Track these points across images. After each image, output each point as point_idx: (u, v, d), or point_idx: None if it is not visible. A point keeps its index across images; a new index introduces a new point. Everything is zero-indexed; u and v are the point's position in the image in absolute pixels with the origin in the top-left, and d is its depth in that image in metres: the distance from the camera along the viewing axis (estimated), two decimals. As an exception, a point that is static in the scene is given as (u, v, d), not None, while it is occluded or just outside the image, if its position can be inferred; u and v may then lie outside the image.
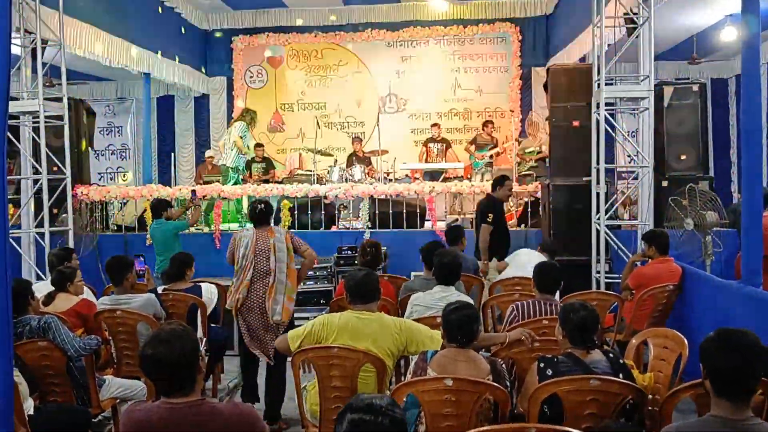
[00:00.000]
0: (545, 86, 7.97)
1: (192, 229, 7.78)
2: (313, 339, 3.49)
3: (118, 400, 4.18)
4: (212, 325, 5.19)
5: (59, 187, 7.48)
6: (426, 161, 10.83)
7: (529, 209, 8.37)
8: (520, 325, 3.82)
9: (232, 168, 10.24)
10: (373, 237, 7.59)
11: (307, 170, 10.37)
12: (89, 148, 8.99)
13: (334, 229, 8.54)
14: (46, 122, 7.23)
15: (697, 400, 2.79)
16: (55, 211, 7.67)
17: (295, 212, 8.35)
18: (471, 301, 3.80)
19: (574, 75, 7.32)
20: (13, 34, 7.07)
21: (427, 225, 8.42)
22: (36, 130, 7.25)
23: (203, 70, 12.47)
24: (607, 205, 6.48)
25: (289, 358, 3.73)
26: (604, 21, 6.45)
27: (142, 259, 5.14)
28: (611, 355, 3.08)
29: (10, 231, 6.95)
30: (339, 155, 11.16)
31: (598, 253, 6.48)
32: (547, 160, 8.64)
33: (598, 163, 6.47)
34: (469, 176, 10.64)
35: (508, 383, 3.09)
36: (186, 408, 2.25)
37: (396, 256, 7.61)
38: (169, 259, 5.39)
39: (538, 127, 10.68)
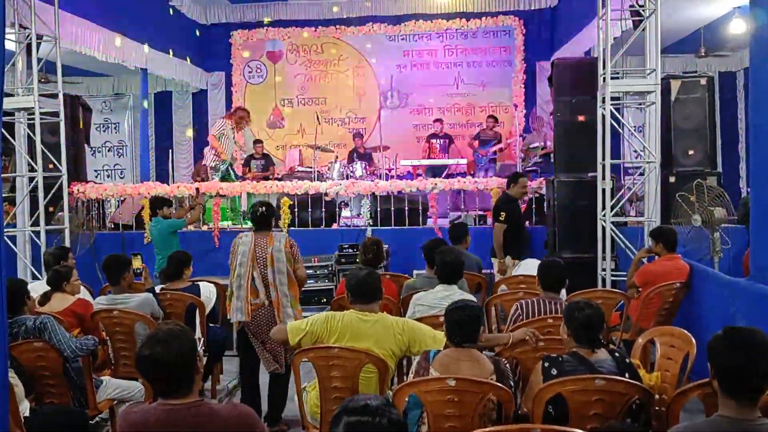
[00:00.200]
0: (550, 80, 7.95)
1: (190, 227, 7.79)
2: (314, 337, 3.48)
3: (116, 402, 4.19)
4: (211, 324, 5.20)
5: (55, 184, 7.48)
6: (428, 157, 10.84)
7: (533, 206, 8.35)
8: (524, 324, 3.82)
9: (211, 167, 10.06)
10: (375, 234, 7.59)
11: (308, 167, 10.37)
12: (85, 145, 9.00)
13: (334, 226, 8.54)
14: (41, 119, 7.23)
15: (704, 400, 2.78)
16: (51, 209, 7.68)
17: (295, 210, 8.35)
18: (474, 300, 3.80)
19: (579, 69, 7.29)
20: (8, 30, 7.08)
21: (429, 223, 8.41)
22: (31, 126, 7.25)
23: (201, 65, 12.46)
24: (613, 202, 6.47)
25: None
26: (610, 13, 6.43)
27: (140, 258, 5.14)
28: (617, 354, 3.08)
29: (6, 229, 6.97)
30: (340, 151, 11.17)
31: (603, 251, 6.47)
32: (551, 155, 8.63)
33: (603, 159, 6.46)
34: (472, 172, 10.63)
35: (512, 383, 3.09)
36: (184, 409, 2.25)
37: (398, 254, 7.61)
38: (167, 258, 5.39)
39: (543, 122, 10.67)
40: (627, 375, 2.94)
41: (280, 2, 12.32)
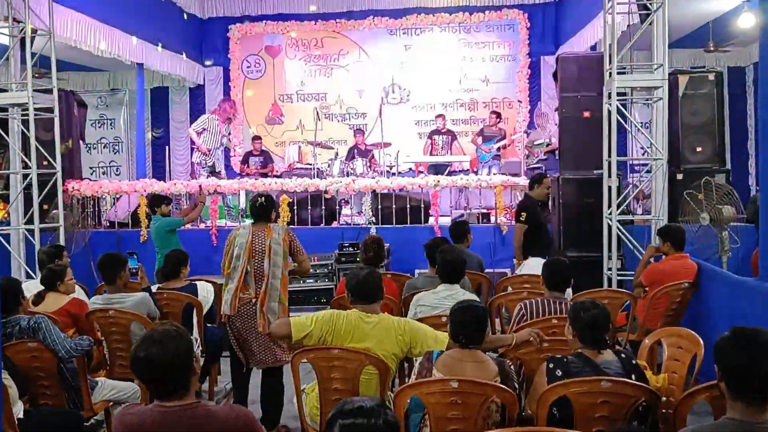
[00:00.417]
0: (555, 75, 7.95)
1: (188, 226, 7.80)
2: (320, 335, 3.43)
3: (111, 403, 4.19)
4: (208, 325, 5.19)
5: (49, 182, 7.49)
6: (430, 154, 10.84)
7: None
8: (529, 324, 3.82)
9: (197, 163, 10.08)
10: (376, 232, 7.59)
11: (307, 164, 10.37)
12: (80, 142, 9.00)
13: (335, 225, 8.54)
14: (35, 115, 7.23)
15: (712, 403, 2.78)
16: (45, 206, 7.68)
17: (295, 208, 8.35)
18: (477, 300, 3.80)
19: (585, 64, 7.28)
20: (1, 23, 7.09)
21: (431, 221, 8.42)
22: (25, 122, 7.26)
23: (199, 60, 12.46)
24: (620, 200, 6.46)
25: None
26: (616, 7, 6.42)
27: (135, 257, 5.14)
28: (623, 355, 3.08)
29: (-1, 228, 6.98)
30: (340, 148, 11.15)
31: (609, 250, 6.46)
32: (556, 152, 8.62)
33: (609, 156, 6.45)
34: (475, 169, 10.63)
35: (516, 385, 3.08)
36: (180, 411, 2.25)
37: (399, 253, 7.61)
38: (164, 257, 5.39)
39: (548, 118, 10.67)
40: (633, 377, 2.94)
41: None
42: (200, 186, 8.14)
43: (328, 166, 9.75)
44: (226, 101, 10.28)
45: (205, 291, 5.21)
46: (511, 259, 6.55)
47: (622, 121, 6.46)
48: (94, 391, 4.05)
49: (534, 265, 5.77)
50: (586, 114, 7.12)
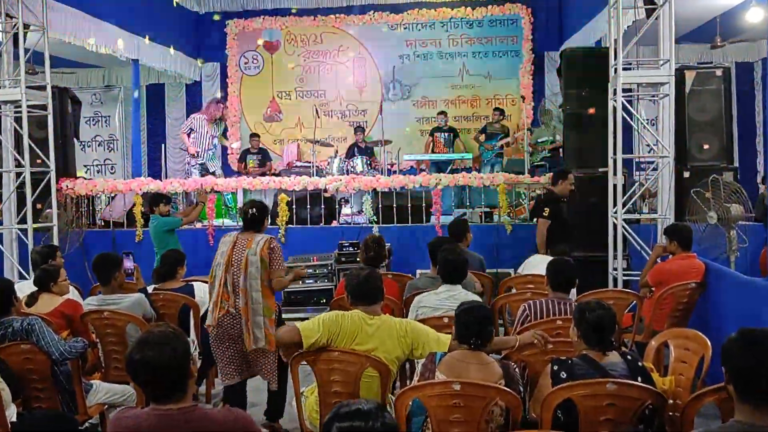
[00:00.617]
0: (559, 71, 7.95)
1: (185, 225, 7.79)
2: (329, 337, 3.41)
3: (106, 407, 4.19)
4: (205, 326, 5.19)
5: (43, 180, 7.49)
6: (432, 152, 10.83)
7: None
8: (533, 326, 3.82)
9: (189, 163, 10.12)
10: (377, 232, 7.60)
11: (306, 162, 10.37)
12: (75, 140, 9.00)
13: (334, 224, 8.53)
14: (28, 112, 7.23)
15: (720, 405, 2.78)
16: (38, 206, 7.69)
17: (294, 207, 8.35)
18: (480, 300, 3.80)
19: (590, 59, 7.28)
20: (-7, 19, 7.09)
21: (432, 220, 8.41)
22: (18, 120, 7.26)
23: (195, 55, 12.46)
24: (625, 198, 6.46)
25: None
26: (622, 1, 6.41)
27: (131, 257, 5.13)
28: (629, 357, 3.08)
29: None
30: (339, 146, 11.17)
31: (615, 249, 6.46)
32: (561, 150, 8.62)
33: (615, 153, 6.45)
34: (478, 167, 10.63)
35: (521, 388, 3.08)
36: (177, 414, 2.25)
37: (400, 253, 7.61)
38: (160, 257, 5.40)
39: (552, 115, 10.65)
40: (639, 379, 2.94)
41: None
42: (201, 185, 8.14)
43: (328, 164, 9.75)
44: (213, 102, 10.29)
45: (202, 292, 5.20)
46: (515, 258, 6.54)
47: (627, 117, 6.45)
48: (88, 395, 4.05)
49: (536, 263, 5.77)
50: (591, 111, 7.12)
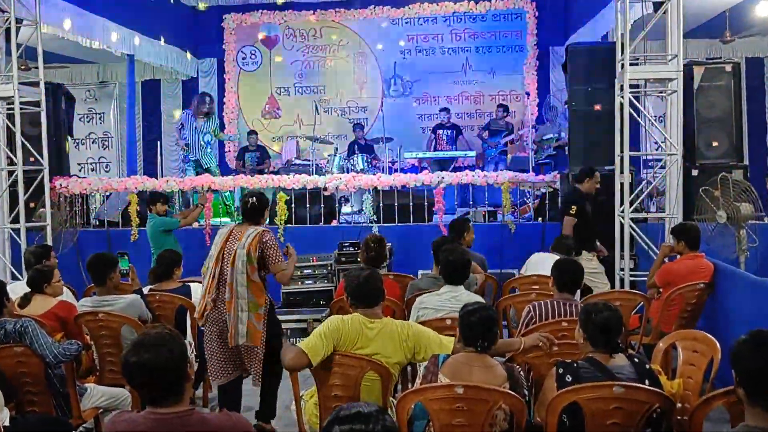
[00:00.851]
0: (564, 67, 7.94)
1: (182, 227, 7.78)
2: (332, 349, 3.39)
3: (101, 410, 4.19)
4: (202, 328, 5.19)
5: (36, 179, 7.50)
6: (434, 149, 10.84)
7: (547, 201, 8.35)
8: (538, 327, 3.82)
9: (183, 161, 10.25)
10: (378, 231, 7.60)
11: (305, 160, 10.37)
12: (68, 137, 9.01)
13: (334, 223, 8.54)
14: (21, 109, 7.23)
15: (730, 409, 2.78)
16: (31, 205, 7.69)
17: (292, 205, 8.35)
18: (483, 301, 3.80)
19: (596, 54, 7.28)
20: (-15, 13, 7.09)
21: (435, 219, 8.41)
22: (11, 117, 7.26)
23: (192, 51, 12.45)
24: (632, 197, 6.46)
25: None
26: (629, -5, 6.42)
27: (126, 257, 5.14)
28: (636, 359, 3.08)
29: (-16, 227, 6.98)
30: (339, 143, 11.17)
31: (622, 249, 6.46)
32: (566, 147, 8.62)
33: (622, 151, 6.45)
34: (481, 165, 10.63)
35: (526, 392, 3.09)
36: (174, 418, 2.25)
37: (402, 253, 7.61)
38: (156, 257, 5.40)
39: (557, 111, 10.66)
40: (647, 382, 2.94)
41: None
42: (202, 186, 8.16)
43: (327, 162, 9.76)
44: (199, 95, 10.32)
45: (198, 293, 5.20)
46: (518, 259, 6.54)
47: (634, 114, 6.46)
48: (83, 398, 4.06)
49: (539, 261, 5.77)
50: (597, 107, 7.12)
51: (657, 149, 7.22)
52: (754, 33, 11.04)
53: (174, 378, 2.26)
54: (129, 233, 8.24)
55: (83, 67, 12.78)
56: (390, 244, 6.81)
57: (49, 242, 7.29)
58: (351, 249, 7.37)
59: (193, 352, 4.90)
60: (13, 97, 7.12)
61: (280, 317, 4.73)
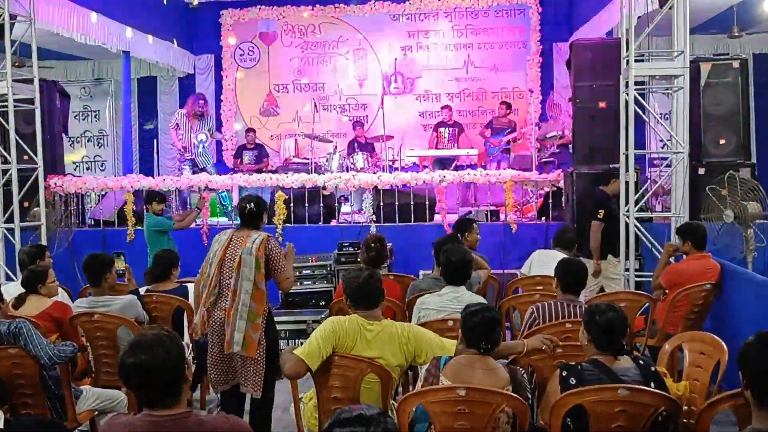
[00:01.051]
0: (568, 63, 7.94)
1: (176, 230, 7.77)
2: (329, 352, 3.38)
3: (97, 413, 4.20)
4: (198, 339, 5.20)
5: (30, 177, 7.50)
6: (436, 147, 10.83)
7: (550, 200, 8.35)
8: (541, 329, 3.82)
9: (180, 161, 10.28)
10: (378, 231, 7.60)
11: (304, 158, 10.38)
12: (63, 135, 9.02)
13: (333, 223, 8.54)
14: (15, 106, 7.24)
15: (737, 412, 2.78)
16: (26, 204, 7.70)
17: (291, 205, 8.35)
18: (485, 302, 3.80)
19: (601, 51, 7.29)
20: (-22, 9, 7.09)
21: (436, 219, 8.41)
22: (4, 115, 7.27)
23: (189, 47, 12.45)
24: (638, 196, 6.45)
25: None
26: (634, -10, 6.42)
27: (122, 257, 5.14)
28: (642, 361, 3.08)
29: (-23, 227, 6.98)
30: (339, 141, 11.16)
31: (627, 249, 6.46)
32: (570, 145, 8.62)
33: (627, 149, 6.44)
34: (483, 164, 10.62)
35: (529, 395, 3.09)
36: (171, 421, 2.25)
37: (402, 253, 7.61)
38: (153, 258, 5.41)
39: (561, 109, 10.65)
40: (652, 384, 2.94)
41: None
42: (199, 188, 8.17)
43: (327, 160, 9.75)
44: (193, 96, 10.35)
45: (196, 294, 5.22)
46: (522, 259, 6.54)
47: (640, 111, 6.45)
48: (78, 400, 4.06)
49: (542, 260, 5.76)
50: (602, 104, 7.12)
51: (663, 147, 7.21)
52: (762, 28, 11.03)
53: (171, 379, 2.26)
54: (125, 233, 8.25)
55: (78, 64, 12.80)
56: (390, 244, 6.81)
57: (44, 242, 7.31)
58: (351, 249, 7.37)
59: (190, 353, 4.90)
60: (6, 94, 7.13)
61: (277, 319, 4.73)
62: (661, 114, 7.29)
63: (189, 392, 2.84)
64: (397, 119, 11.64)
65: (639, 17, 6.87)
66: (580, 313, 3.75)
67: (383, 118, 10.06)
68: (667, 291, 5.24)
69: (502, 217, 8.47)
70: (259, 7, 12.55)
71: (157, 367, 2.22)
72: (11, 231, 7.34)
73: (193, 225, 8.28)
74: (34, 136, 7.55)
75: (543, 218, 8.48)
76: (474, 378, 3.01)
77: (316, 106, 10.51)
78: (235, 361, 4.18)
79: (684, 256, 5.44)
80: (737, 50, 11.35)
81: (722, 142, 6.92)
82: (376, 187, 8.38)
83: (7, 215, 7.40)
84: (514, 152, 10.81)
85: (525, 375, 3.19)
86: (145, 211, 7.23)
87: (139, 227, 7.84)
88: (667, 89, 6.84)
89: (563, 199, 7.94)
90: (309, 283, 7.27)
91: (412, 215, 8.30)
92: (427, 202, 8.40)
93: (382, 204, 8.35)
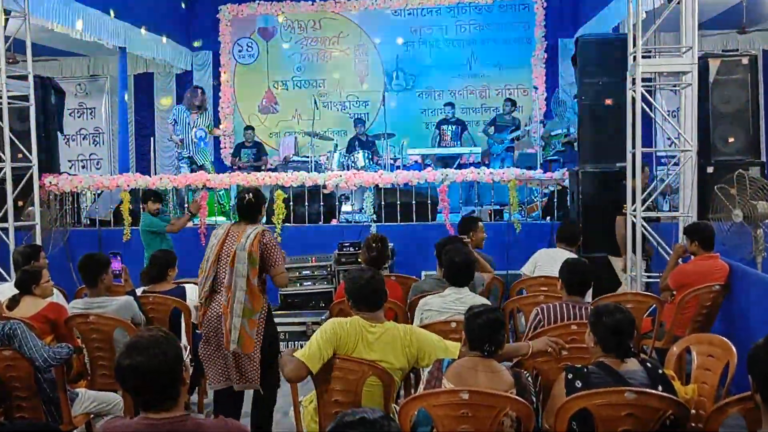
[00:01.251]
0: (573, 60, 7.93)
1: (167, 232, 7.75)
2: (330, 354, 3.39)
3: (93, 416, 4.20)
4: (197, 331, 5.20)
5: (25, 176, 7.50)
6: (438, 145, 10.84)
7: (555, 199, 8.35)
8: (546, 331, 3.82)
9: (178, 158, 10.35)
10: (379, 231, 7.59)
11: (304, 156, 10.38)
12: (58, 133, 9.02)
13: (334, 222, 8.54)
14: (9, 103, 7.24)
15: (746, 416, 2.78)
16: (20, 203, 7.70)
17: (291, 204, 8.35)
18: (489, 303, 3.80)
19: (607, 47, 7.27)
20: (-28, 4, 7.09)
21: (439, 218, 8.41)
22: (-2, 112, 7.27)
23: (186, 43, 12.45)
24: (645, 195, 6.45)
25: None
26: (641, -15, 6.41)
27: (119, 257, 5.14)
28: (649, 364, 3.08)
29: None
30: (339, 139, 11.17)
31: (633, 249, 6.46)
32: (575, 143, 8.61)
33: (633, 147, 6.44)
34: (487, 162, 10.62)
35: (533, 398, 3.09)
36: (168, 424, 2.26)
37: (404, 253, 7.61)
38: (149, 258, 5.41)
39: (566, 106, 10.65)
40: (660, 387, 2.94)
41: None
42: (196, 185, 8.17)
43: (327, 158, 9.75)
44: (190, 90, 10.37)
45: (194, 294, 5.21)
46: (526, 260, 6.54)
47: (647, 109, 6.44)
48: (73, 403, 4.07)
49: (547, 260, 5.76)
50: (608, 102, 7.11)
51: (670, 145, 7.21)
52: (772, 24, 11.02)
53: (168, 381, 2.26)
54: (121, 233, 8.24)
55: (73, 60, 12.79)
56: (392, 244, 6.81)
57: (39, 242, 7.31)
58: (351, 249, 7.37)
59: (188, 355, 4.90)
60: (0, 91, 7.13)
61: (277, 320, 4.72)
62: (668, 111, 7.30)
63: (186, 395, 2.85)
64: (399, 117, 11.65)
65: (646, 12, 6.86)
66: (586, 314, 3.75)
67: (385, 116, 10.06)
68: (674, 292, 5.24)
69: (506, 216, 8.46)
70: (258, 2, 12.56)
71: (154, 369, 2.22)
72: (5, 231, 7.33)
73: (190, 224, 8.29)
74: (28, 134, 7.54)
75: (548, 218, 8.47)
76: (477, 381, 3.01)
77: (316, 103, 10.50)
78: (228, 357, 4.19)
79: (692, 257, 5.43)
80: (747, 46, 11.33)
81: (731, 140, 6.91)
82: (377, 185, 8.38)
83: (1, 214, 7.40)
84: (518, 150, 10.79)
85: (530, 378, 3.20)
86: (141, 210, 7.23)
87: (136, 227, 7.84)
88: (674, 86, 6.84)
89: (568, 199, 7.93)
90: (309, 283, 7.27)
91: (414, 215, 8.30)
92: (429, 202, 8.39)
93: (383, 203, 8.35)
